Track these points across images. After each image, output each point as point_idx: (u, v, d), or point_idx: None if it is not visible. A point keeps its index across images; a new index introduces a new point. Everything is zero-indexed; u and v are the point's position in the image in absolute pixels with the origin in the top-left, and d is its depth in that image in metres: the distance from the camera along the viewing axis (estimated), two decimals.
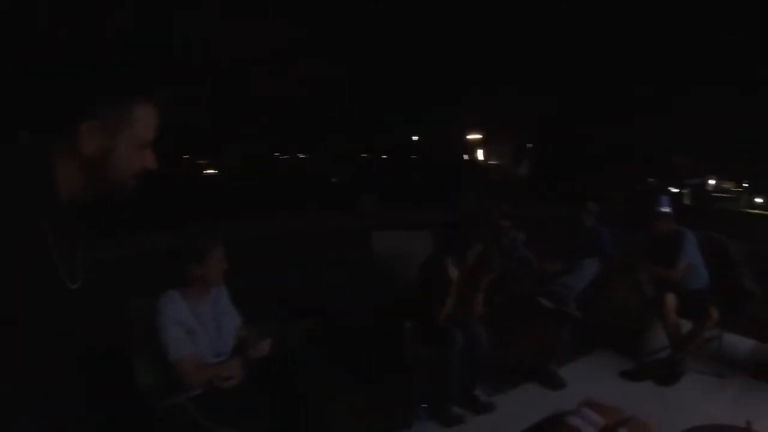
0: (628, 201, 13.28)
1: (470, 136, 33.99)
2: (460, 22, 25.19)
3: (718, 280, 4.15)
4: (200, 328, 2.51)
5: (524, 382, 3.77)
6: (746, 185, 38.01)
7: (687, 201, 28.62)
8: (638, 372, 3.96)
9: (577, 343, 4.16)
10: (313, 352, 3.13)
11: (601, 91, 26.45)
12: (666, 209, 4.14)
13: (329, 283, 5.70)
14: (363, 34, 24.26)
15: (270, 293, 4.88)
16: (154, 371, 2.52)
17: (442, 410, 3.25)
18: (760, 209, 32.26)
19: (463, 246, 3.44)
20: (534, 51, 25.44)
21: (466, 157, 34.09)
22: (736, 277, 4.16)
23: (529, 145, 34.48)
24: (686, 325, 3.99)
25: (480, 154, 35.10)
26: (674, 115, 27.65)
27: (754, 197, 36.38)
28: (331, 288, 5.41)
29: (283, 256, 7.85)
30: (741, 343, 4.46)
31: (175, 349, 2.39)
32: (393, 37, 24.55)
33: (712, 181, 39.93)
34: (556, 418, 2.57)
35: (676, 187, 31.40)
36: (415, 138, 34.13)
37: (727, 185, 42.34)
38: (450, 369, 3.15)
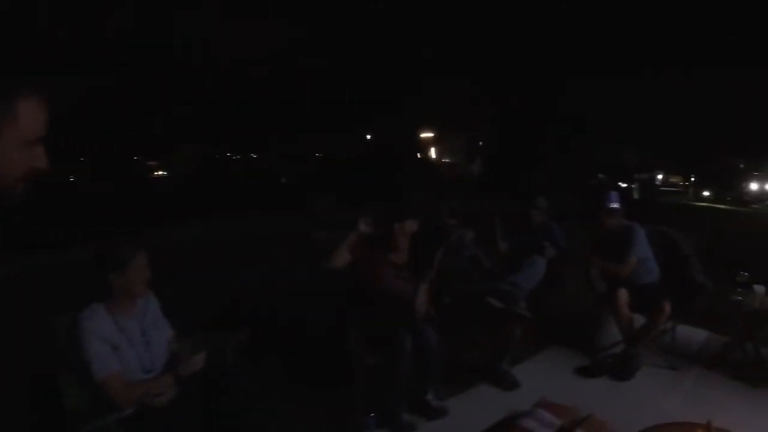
0: (578, 197, 13.47)
1: (423, 135, 34.16)
2: (413, 20, 25.21)
3: (669, 274, 4.13)
4: (126, 343, 2.32)
5: (476, 383, 3.63)
6: (693, 179, 39.35)
7: (636, 195, 29.41)
8: (593, 368, 3.89)
9: (530, 341, 4.08)
10: (253, 365, 2.91)
11: (550, 90, 26.87)
12: (615, 205, 4.10)
13: (273, 289, 5.46)
14: (317, 35, 24.08)
15: (207, 301, 4.67)
16: (81, 391, 2.32)
17: (392, 418, 3.07)
18: (706, 202, 33.43)
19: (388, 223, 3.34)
20: (485, 51, 25.67)
21: (419, 155, 34.21)
22: (687, 270, 4.15)
23: (481, 143, 34.84)
24: (639, 320, 3.95)
25: (433, 153, 35.31)
26: (622, 113, 28.36)
27: (702, 191, 37.71)
28: (274, 294, 5.17)
29: (224, 260, 7.57)
30: (694, 335, 4.47)
31: (99, 366, 2.20)
32: (347, 36, 24.42)
33: (660, 176, 41.24)
34: (510, 420, 2.46)
35: (625, 182, 32.27)
36: (368, 137, 34.03)
37: (675, 179, 43.84)
38: (398, 375, 2.97)
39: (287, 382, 3.47)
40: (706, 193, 37.72)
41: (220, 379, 2.35)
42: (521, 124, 29.05)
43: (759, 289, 3.85)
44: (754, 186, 40.48)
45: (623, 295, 3.88)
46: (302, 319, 4.28)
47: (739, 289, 3.95)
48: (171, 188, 27.06)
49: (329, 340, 3.42)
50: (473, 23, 24.99)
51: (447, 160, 36.49)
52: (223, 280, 6.12)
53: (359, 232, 3.23)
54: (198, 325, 2.78)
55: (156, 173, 35.20)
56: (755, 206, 33.24)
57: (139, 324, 2.41)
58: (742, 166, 40.16)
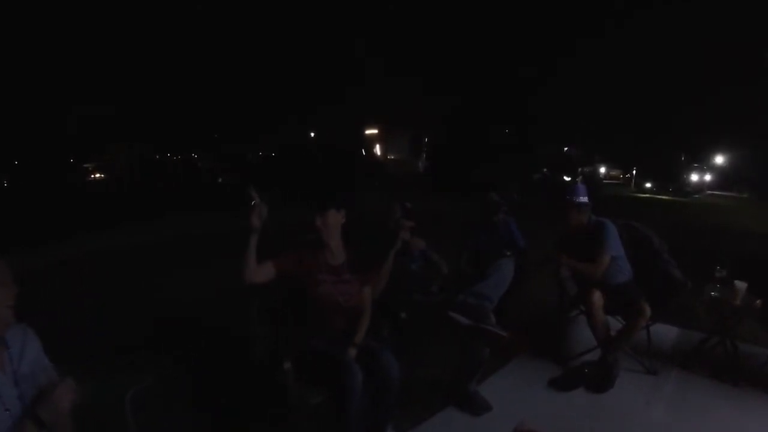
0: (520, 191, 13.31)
1: (368, 132, 33.83)
2: (359, 15, 24.89)
3: (643, 271, 3.79)
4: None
5: (441, 408, 3.13)
6: (634, 172, 40.69)
7: None
8: (568, 379, 3.49)
9: (498, 353, 3.63)
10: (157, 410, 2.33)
11: (496, 86, 27.02)
12: (584, 198, 3.71)
13: (199, 299, 4.89)
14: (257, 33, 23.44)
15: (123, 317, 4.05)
16: None
17: None
18: (649, 193, 34.44)
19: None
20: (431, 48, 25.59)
21: (363, 152, 33.85)
22: (661, 267, 3.82)
23: (426, 140, 34.80)
24: (613, 322, 3.63)
25: (378, 149, 35.02)
26: (565, 108, 28.86)
27: (644, 182, 38.96)
28: (199, 305, 4.59)
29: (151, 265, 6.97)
30: (667, 332, 4.25)
31: None
32: (284, 33, 23.88)
33: (603, 169, 42.56)
34: None
35: (569, 176, 32.79)
36: (311, 134, 33.43)
37: (615, 172, 45.44)
38: (349, 415, 2.39)
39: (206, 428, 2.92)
40: (648, 185, 38.86)
41: None
42: (466, 121, 29.10)
43: (740, 285, 3.56)
44: (694, 177, 42.15)
45: (597, 296, 3.50)
46: (228, 345, 3.73)
47: (718, 285, 3.69)
48: (107, 191, 26.08)
49: (260, 372, 2.86)
50: (421, 20, 24.87)
51: (392, 157, 36.24)
52: (145, 289, 5.55)
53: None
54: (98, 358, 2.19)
55: (93, 176, 34.01)
56: (696, 196, 34.52)
57: (10, 377, 1.72)
58: (683, 158, 41.68)
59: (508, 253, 3.81)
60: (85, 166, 34.40)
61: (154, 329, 4.30)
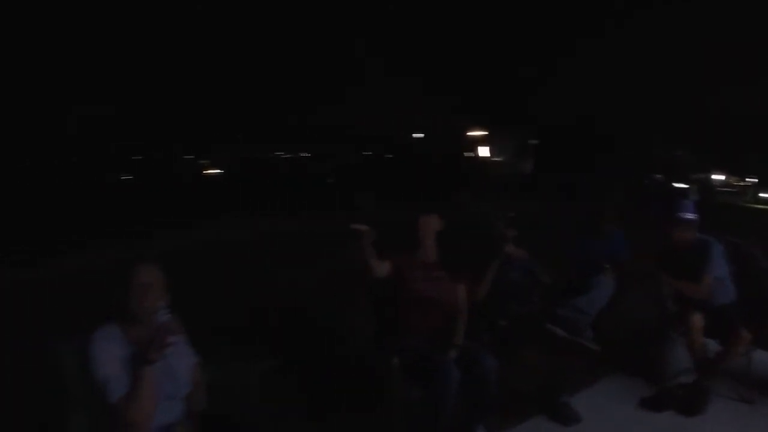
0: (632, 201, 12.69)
1: (472, 133, 33.56)
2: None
3: (745, 293, 3.71)
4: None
5: (532, 415, 3.28)
6: (753, 180, 37.47)
7: (694, 197, 28.12)
8: (659, 400, 3.51)
9: (591, 367, 3.72)
10: (277, 398, 2.64)
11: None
12: (691, 216, 3.68)
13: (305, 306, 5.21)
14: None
15: (231, 319, 4.43)
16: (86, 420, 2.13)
17: None
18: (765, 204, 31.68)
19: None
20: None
21: (467, 154, 33.63)
22: (766, 289, 3.72)
23: (531, 142, 34.03)
24: (711, 345, 3.57)
25: (482, 151, 34.61)
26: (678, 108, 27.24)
27: (762, 192, 35.88)
28: (306, 312, 4.91)
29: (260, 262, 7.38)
30: None
31: (114, 387, 1.99)
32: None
33: (717, 176, 39.43)
34: None
35: (681, 182, 30.83)
36: (417, 136, 33.51)
37: (732, 180, 41.87)
38: (443, 410, 2.62)
39: (318, 418, 3.18)
40: (765, 195, 35.69)
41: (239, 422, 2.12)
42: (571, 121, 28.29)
43: None
44: None
45: (697, 318, 3.49)
46: (333, 339, 4.01)
47: None
48: (221, 186, 27.35)
49: (363, 366, 3.13)
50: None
51: (495, 159, 35.71)
52: (252, 284, 5.94)
53: (361, 234, 2.84)
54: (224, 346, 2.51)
55: (208, 171, 35.89)
56: None
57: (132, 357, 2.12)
58: None
59: (608, 267, 3.85)
60: (201, 162, 36.32)
61: (263, 318, 4.69)
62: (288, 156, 35.24)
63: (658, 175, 30.80)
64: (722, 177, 40.59)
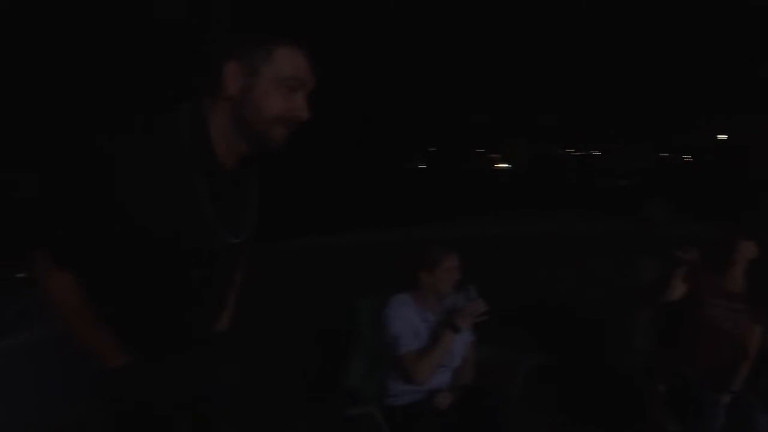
0: None
1: None
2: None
3: None
4: (426, 333, 2.47)
5: None
6: None
7: None
8: None
9: None
10: (540, 395, 2.75)
11: None
12: None
13: (583, 302, 5.18)
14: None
15: (514, 302, 4.58)
16: (364, 372, 2.61)
17: None
18: None
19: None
20: None
21: None
22: None
23: None
24: None
25: None
26: None
27: None
28: (585, 318, 4.87)
29: (540, 260, 7.42)
30: None
31: (401, 342, 2.38)
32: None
33: None
34: None
35: None
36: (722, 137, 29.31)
37: None
38: None
39: (570, 421, 3.19)
40: None
41: (498, 404, 2.33)
42: None
43: None
44: None
45: None
46: (606, 350, 3.97)
47: None
48: (508, 181, 27.75)
49: (629, 385, 3.06)
50: None
51: None
52: (534, 280, 6.12)
53: (685, 261, 2.60)
54: (497, 332, 2.75)
55: (498, 165, 36.75)
56: None
57: (437, 323, 2.50)
58: None
59: None
60: (492, 156, 37.29)
61: (540, 314, 4.78)
62: (579, 154, 34.35)
63: None
64: None
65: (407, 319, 2.44)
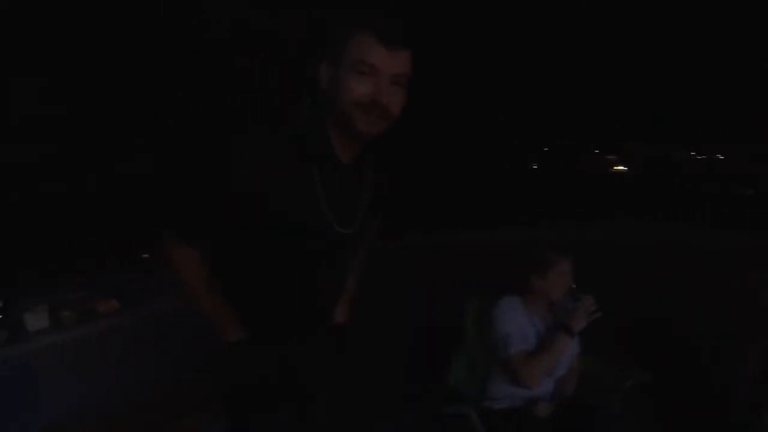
0: None
1: None
2: None
3: None
4: (534, 337, 2.47)
5: None
6: None
7: None
8: None
9: None
10: (639, 414, 2.68)
11: None
12: None
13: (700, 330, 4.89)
14: None
15: (616, 320, 4.42)
16: (467, 372, 2.69)
17: None
18: None
19: None
20: None
21: None
22: None
23: None
24: None
25: None
26: None
27: None
28: (699, 338, 4.58)
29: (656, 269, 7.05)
30: None
31: (510, 342, 2.38)
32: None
33: None
34: None
35: None
36: None
37: None
38: None
39: None
40: None
41: (599, 420, 2.30)
42: None
43: None
44: None
45: None
46: (716, 374, 3.77)
47: None
48: (624, 184, 26.53)
49: (737, 415, 2.91)
50: None
51: None
52: (644, 292, 5.82)
53: None
54: (602, 345, 2.71)
55: (615, 168, 35.24)
56: None
57: (548, 325, 2.51)
58: None
59: None
60: (608, 157, 35.76)
61: (649, 328, 4.65)
62: (701, 157, 32.08)
63: None
64: None
65: (516, 322, 2.45)
